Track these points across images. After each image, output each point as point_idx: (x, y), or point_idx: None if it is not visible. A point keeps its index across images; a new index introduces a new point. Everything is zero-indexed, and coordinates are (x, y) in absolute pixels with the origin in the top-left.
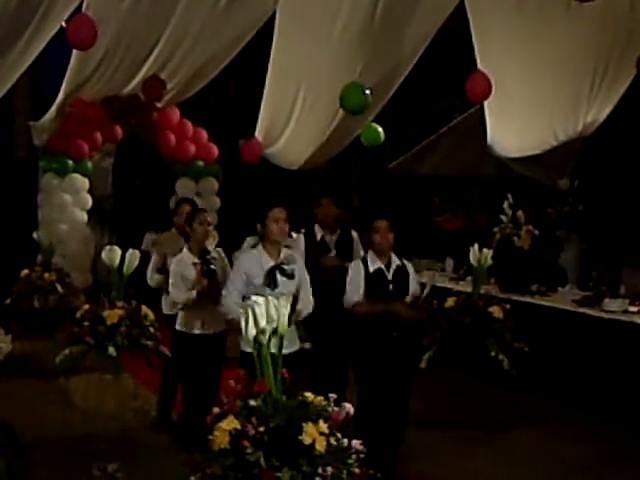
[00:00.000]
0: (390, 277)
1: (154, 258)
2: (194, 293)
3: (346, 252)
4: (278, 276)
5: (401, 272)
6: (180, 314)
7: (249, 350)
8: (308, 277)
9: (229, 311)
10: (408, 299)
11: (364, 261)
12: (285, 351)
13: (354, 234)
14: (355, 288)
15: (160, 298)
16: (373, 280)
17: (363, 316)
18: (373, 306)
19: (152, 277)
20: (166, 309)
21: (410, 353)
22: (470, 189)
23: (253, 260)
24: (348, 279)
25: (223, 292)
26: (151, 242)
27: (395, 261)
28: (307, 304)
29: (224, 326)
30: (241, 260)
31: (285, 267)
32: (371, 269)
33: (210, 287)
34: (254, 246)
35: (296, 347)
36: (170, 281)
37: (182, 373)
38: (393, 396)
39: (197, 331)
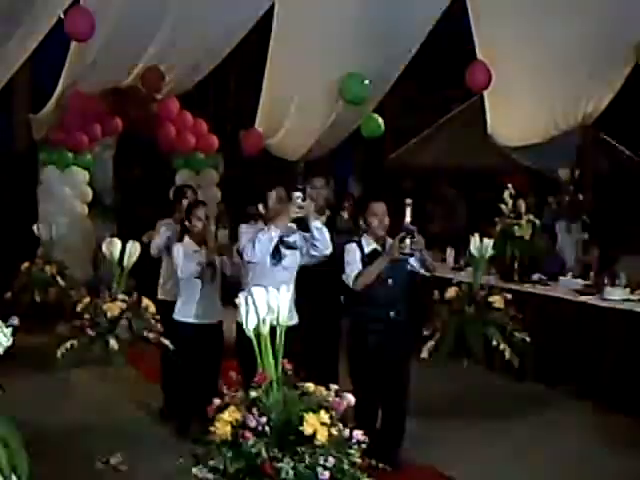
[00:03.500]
0: None
1: (159, 236)
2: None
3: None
4: (282, 249)
5: None
6: (178, 303)
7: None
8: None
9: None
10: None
11: (358, 243)
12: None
13: (345, 215)
14: (353, 265)
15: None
16: (369, 261)
17: (368, 289)
18: (374, 267)
19: (156, 248)
20: (161, 294)
21: (406, 342)
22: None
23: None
24: (345, 260)
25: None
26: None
27: (390, 243)
28: (325, 246)
29: (221, 317)
30: (248, 230)
31: (287, 239)
32: (366, 250)
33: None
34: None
35: (294, 322)
36: (175, 257)
37: (180, 362)
38: (390, 386)
39: (195, 320)
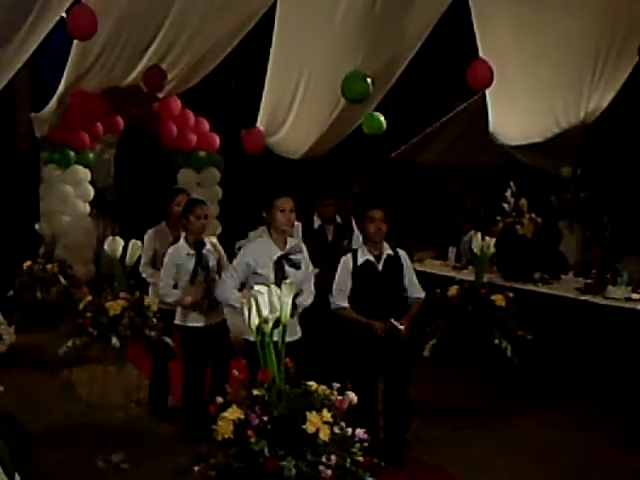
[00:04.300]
0: (380, 268)
1: (145, 251)
2: (189, 299)
3: (343, 240)
4: (286, 266)
5: (393, 262)
6: (180, 308)
7: (252, 339)
8: (312, 267)
9: (225, 297)
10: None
11: (354, 254)
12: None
13: (354, 223)
14: (342, 289)
15: None
16: (361, 273)
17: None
18: (357, 317)
19: (146, 271)
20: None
21: (405, 342)
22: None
23: (261, 249)
24: (336, 277)
25: (222, 276)
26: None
27: (387, 251)
28: (308, 295)
29: (223, 315)
30: (248, 248)
31: (292, 257)
32: (360, 261)
33: (204, 295)
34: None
35: (297, 336)
36: (162, 271)
37: (186, 366)
38: (391, 385)
39: (197, 323)
